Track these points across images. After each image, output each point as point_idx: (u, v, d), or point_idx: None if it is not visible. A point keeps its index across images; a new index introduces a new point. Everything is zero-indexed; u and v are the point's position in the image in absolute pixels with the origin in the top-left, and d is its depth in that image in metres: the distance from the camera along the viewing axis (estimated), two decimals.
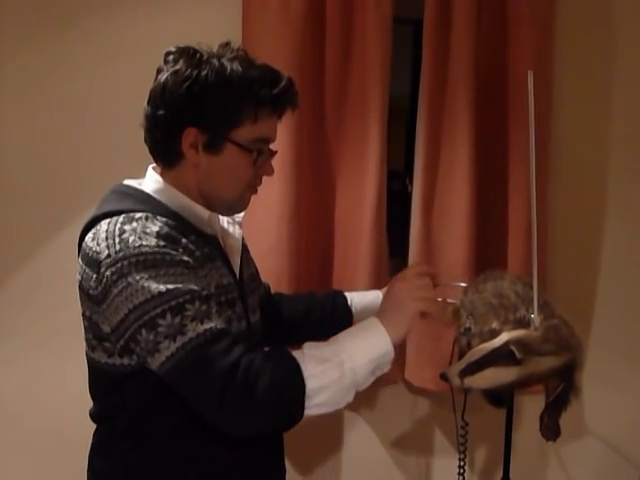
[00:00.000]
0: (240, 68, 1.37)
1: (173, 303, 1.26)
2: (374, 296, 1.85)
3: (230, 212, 1.51)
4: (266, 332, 1.60)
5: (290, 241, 2.18)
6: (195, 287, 1.29)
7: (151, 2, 2.27)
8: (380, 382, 2.30)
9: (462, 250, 2.20)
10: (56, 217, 2.31)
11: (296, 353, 1.32)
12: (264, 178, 1.50)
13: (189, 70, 1.36)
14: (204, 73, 1.35)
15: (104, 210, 1.39)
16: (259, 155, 1.42)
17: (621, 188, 2.34)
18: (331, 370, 1.31)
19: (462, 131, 2.20)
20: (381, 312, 1.44)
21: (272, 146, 1.48)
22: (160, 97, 1.38)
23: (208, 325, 1.26)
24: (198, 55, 1.38)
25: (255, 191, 1.49)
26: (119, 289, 1.28)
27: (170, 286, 1.26)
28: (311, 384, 1.28)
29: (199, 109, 1.36)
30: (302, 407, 1.29)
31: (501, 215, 2.26)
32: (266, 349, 1.33)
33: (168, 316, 1.25)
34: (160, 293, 1.26)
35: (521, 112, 2.19)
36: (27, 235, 2.34)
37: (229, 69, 1.36)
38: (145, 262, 1.28)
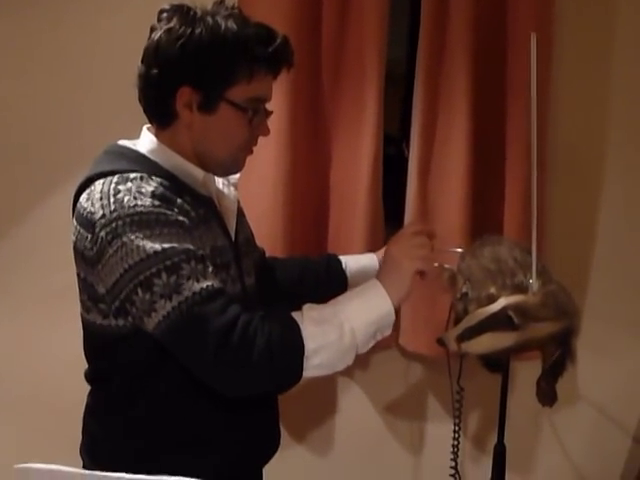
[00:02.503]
0: (235, 26, 1.35)
1: (168, 262, 1.25)
2: (368, 259, 1.84)
3: (225, 173, 1.50)
4: (261, 296, 1.59)
5: (285, 205, 2.16)
6: (190, 246, 1.28)
7: None
8: (374, 347, 2.33)
9: (459, 214, 2.19)
10: (47, 177, 2.29)
11: (295, 314, 1.32)
12: (259, 141, 1.48)
13: (183, 28, 1.34)
14: (198, 31, 1.34)
15: (98, 170, 1.37)
16: (254, 114, 1.41)
17: (620, 151, 2.31)
18: (330, 331, 1.30)
19: (460, 95, 2.17)
20: (380, 274, 1.43)
21: (267, 107, 1.46)
22: (154, 56, 1.37)
23: (204, 284, 1.26)
24: (192, 13, 1.36)
25: (250, 152, 1.48)
26: (114, 249, 1.27)
27: (165, 245, 1.25)
28: (310, 344, 1.28)
29: (193, 68, 1.35)
30: (301, 367, 1.29)
31: (498, 180, 2.24)
32: (262, 312, 1.32)
33: (164, 275, 1.24)
34: (155, 252, 1.25)
35: (520, 76, 2.16)
36: (20, 196, 2.32)
37: (223, 27, 1.34)
38: (140, 222, 1.27)
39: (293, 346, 1.28)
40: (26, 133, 2.29)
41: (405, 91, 2.43)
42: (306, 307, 1.35)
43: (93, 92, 2.25)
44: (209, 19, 1.34)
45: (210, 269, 1.29)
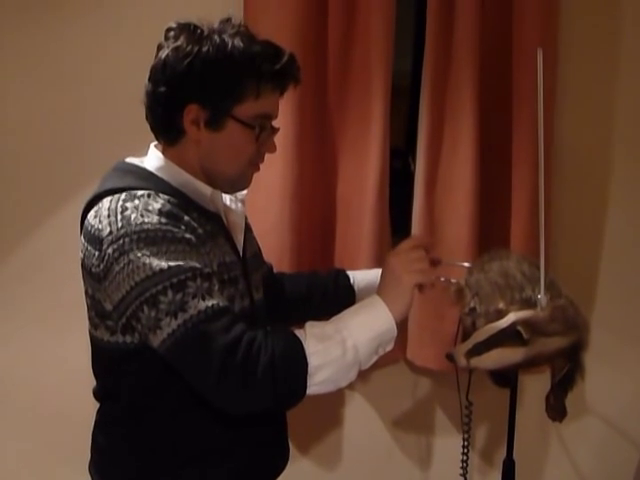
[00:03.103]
0: (241, 44, 1.35)
1: (174, 280, 1.25)
2: (376, 274, 1.82)
3: (232, 189, 1.50)
4: (269, 311, 1.59)
5: (292, 219, 2.16)
6: (197, 264, 1.28)
7: None
8: (382, 361, 2.31)
9: (465, 228, 2.18)
10: (56, 194, 2.30)
11: (298, 331, 1.32)
12: (266, 155, 1.48)
13: (190, 46, 1.34)
14: (205, 49, 1.34)
15: (106, 187, 1.38)
16: (261, 131, 1.41)
17: (626, 166, 2.31)
18: (333, 347, 1.30)
19: (465, 109, 2.17)
20: (380, 289, 1.43)
21: (274, 123, 1.46)
22: (161, 74, 1.37)
23: (210, 302, 1.26)
24: (199, 31, 1.36)
25: (257, 168, 1.48)
26: (121, 266, 1.27)
27: (172, 263, 1.25)
28: (313, 361, 1.28)
29: (200, 85, 1.35)
30: (304, 384, 1.29)
31: (504, 194, 2.23)
32: (268, 328, 1.32)
33: (169, 293, 1.24)
34: (162, 270, 1.25)
35: (525, 88, 2.16)
36: (27, 212, 2.33)
37: (230, 45, 1.35)
38: (147, 239, 1.27)
39: (296, 364, 1.27)
40: (34, 149, 2.30)
41: (411, 103, 2.43)
42: (308, 324, 1.34)
43: (100, 109, 2.26)
44: (216, 37, 1.35)
45: (216, 287, 1.29)
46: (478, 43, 2.16)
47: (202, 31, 1.36)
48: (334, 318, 1.38)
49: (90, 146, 2.27)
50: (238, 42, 1.35)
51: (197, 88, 1.35)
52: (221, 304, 1.27)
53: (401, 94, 2.41)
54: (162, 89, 1.37)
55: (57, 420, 2.39)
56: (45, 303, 2.34)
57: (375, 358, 1.38)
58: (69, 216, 2.25)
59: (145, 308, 1.26)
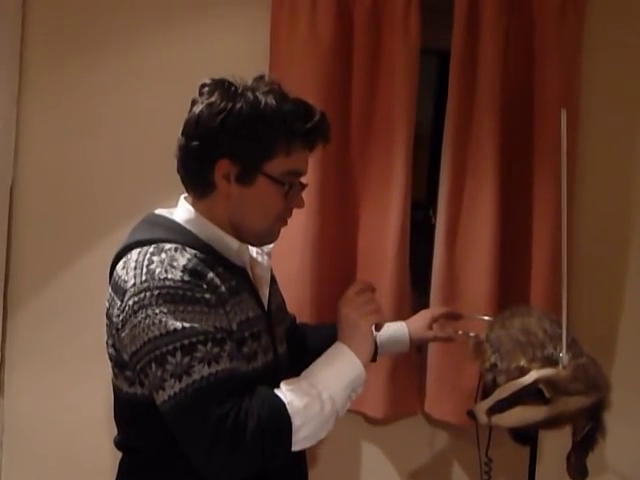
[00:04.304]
0: (274, 102, 1.37)
1: (186, 342, 1.26)
2: (398, 327, 1.87)
3: (260, 243, 1.51)
4: (292, 363, 1.59)
5: (313, 270, 2.18)
6: (211, 328, 1.29)
7: (179, 28, 2.29)
8: (399, 413, 2.33)
9: (485, 282, 2.19)
10: (76, 240, 2.33)
11: (277, 391, 1.33)
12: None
13: (224, 103, 1.36)
14: (239, 106, 1.36)
15: (135, 239, 1.39)
16: (290, 188, 1.42)
17: None
18: (312, 404, 1.31)
19: (487, 162, 2.20)
20: (342, 338, 1.42)
21: (302, 179, 1.48)
22: (194, 128, 1.39)
23: (214, 369, 1.26)
24: (233, 88, 1.39)
25: (285, 223, 1.49)
26: (138, 319, 1.28)
27: (186, 324, 1.26)
28: (296, 421, 1.29)
29: (233, 141, 1.37)
30: (290, 444, 1.30)
31: (525, 249, 2.24)
32: (255, 391, 1.31)
33: (178, 355, 1.25)
34: (175, 330, 1.26)
35: (547, 145, 2.19)
36: (47, 259, 2.35)
37: (263, 102, 1.37)
38: (166, 295, 1.28)
39: (282, 426, 1.28)
40: (53, 195, 2.33)
41: (431, 154, 2.45)
42: (283, 383, 1.35)
43: (132, 159, 2.30)
44: (249, 94, 1.37)
45: (227, 353, 1.29)
46: (500, 97, 2.19)
47: (236, 88, 1.38)
48: (305, 372, 1.39)
49: (110, 194, 2.30)
50: (271, 100, 1.37)
51: (229, 144, 1.37)
52: (226, 370, 1.28)
53: (422, 145, 2.44)
54: (195, 143, 1.39)
55: (74, 467, 2.38)
56: (64, 350, 2.35)
57: (349, 404, 1.40)
58: (87, 264, 2.31)
59: (153, 366, 1.27)
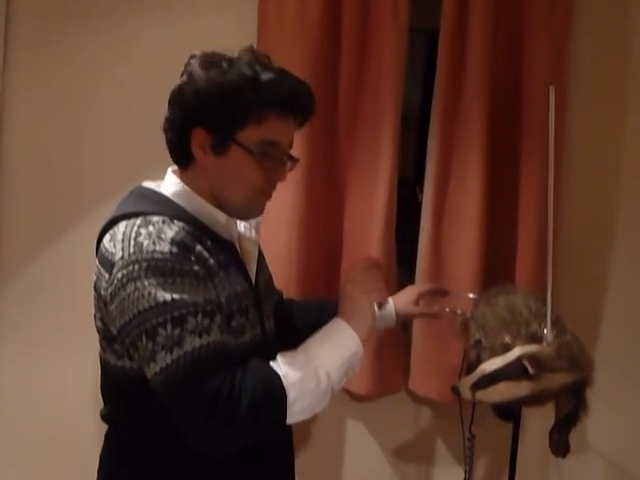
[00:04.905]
0: (250, 71, 1.36)
1: (176, 314, 1.25)
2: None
3: (242, 216, 1.50)
4: (280, 339, 1.59)
5: (299, 247, 2.18)
6: (200, 300, 1.28)
7: (167, 7, 2.28)
8: (383, 390, 2.34)
9: (471, 261, 2.20)
10: (63, 216, 2.33)
11: (273, 364, 1.32)
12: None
13: (198, 71, 1.37)
14: (211, 75, 1.36)
15: (122, 212, 1.38)
16: (264, 158, 1.40)
17: (632, 205, 2.33)
18: (308, 378, 1.31)
19: (474, 142, 2.20)
20: (343, 314, 1.43)
21: (292, 153, 1.47)
22: (176, 99, 1.40)
23: (205, 340, 1.25)
24: (215, 58, 1.38)
25: (269, 196, 1.47)
26: (127, 292, 1.28)
27: (176, 296, 1.26)
28: (291, 394, 1.29)
29: (205, 110, 1.37)
30: (285, 417, 1.30)
31: (511, 227, 2.25)
32: (250, 363, 1.31)
33: (169, 327, 1.24)
34: (165, 302, 1.25)
35: (535, 125, 2.19)
36: (35, 234, 2.35)
37: (236, 71, 1.36)
38: (155, 268, 1.27)
39: (277, 398, 1.28)
40: (39, 170, 2.33)
41: (419, 134, 2.45)
42: (280, 355, 1.35)
43: (119, 136, 2.29)
44: (224, 64, 1.37)
45: (216, 325, 1.29)
46: (488, 77, 2.19)
47: (217, 59, 1.38)
48: (302, 346, 1.38)
49: (95, 168, 2.30)
50: (246, 69, 1.36)
51: (202, 112, 1.37)
52: (217, 342, 1.27)
53: (410, 124, 2.44)
54: (175, 113, 1.40)
55: (61, 442, 2.39)
56: (50, 325, 2.35)
57: (345, 380, 1.40)
58: (73, 239, 2.30)
59: (144, 338, 1.26)
